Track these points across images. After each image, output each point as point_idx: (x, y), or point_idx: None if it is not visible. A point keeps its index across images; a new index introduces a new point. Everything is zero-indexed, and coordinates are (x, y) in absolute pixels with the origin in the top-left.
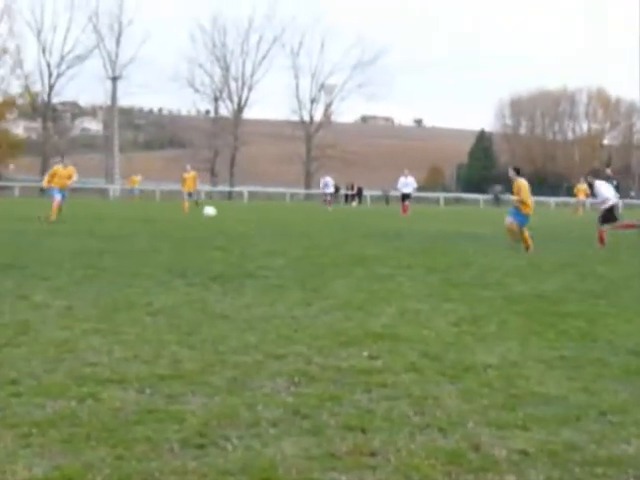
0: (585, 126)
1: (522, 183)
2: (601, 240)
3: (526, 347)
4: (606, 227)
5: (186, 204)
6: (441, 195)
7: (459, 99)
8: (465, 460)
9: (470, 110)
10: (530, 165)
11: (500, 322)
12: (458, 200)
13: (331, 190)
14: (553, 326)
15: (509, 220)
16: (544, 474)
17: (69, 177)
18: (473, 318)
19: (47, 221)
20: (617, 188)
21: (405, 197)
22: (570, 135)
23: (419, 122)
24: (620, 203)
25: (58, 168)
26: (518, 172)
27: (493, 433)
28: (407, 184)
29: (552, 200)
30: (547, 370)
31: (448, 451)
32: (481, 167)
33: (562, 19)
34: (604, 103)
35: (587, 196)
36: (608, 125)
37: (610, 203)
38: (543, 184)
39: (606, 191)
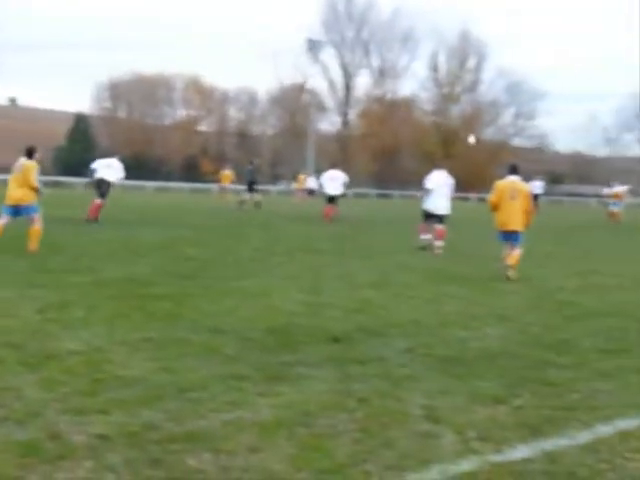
0: (182, 112)
1: (30, 165)
2: None
3: (113, 331)
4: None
5: None
6: (40, 178)
7: (57, 80)
8: (42, 450)
9: (69, 92)
10: (130, 149)
11: (88, 307)
12: (57, 184)
13: None
14: (141, 309)
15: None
16: (122, 456)
17: None
18: (61, 304)
19: None
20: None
21: None
22: (168, 120)
23: (13, 101)
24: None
25: None
26: (29, 154)
27: (73, 420)
28: None
29: (151, 184)
30: (132, 352)
31: (24, 443)
32: (80, 150)
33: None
34: (199, 91)
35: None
36: (204, 112)
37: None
38: (143, 168)
39: None
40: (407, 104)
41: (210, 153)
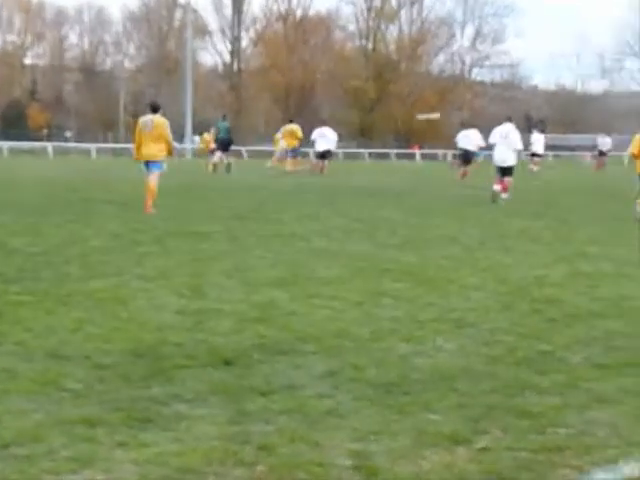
0: (0, 39)
1: (163, 120)
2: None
3: None
4: None
5: None
6: None
7: None
8: None
9: None
10: None
11: None
12: None
13: None
14: None
15: None
16: None
17: None
18: None
19: None
20: None
21: None
22: None
23: None
24: None
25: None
26: (155, 110)
27: None
28: None
29: None
30: None
31: None
32: None
33: None
34: (24, 8)
35: None
36: (30, 39)
37: None
38: None
39: None
40: (323, 24)
41: (43, 97)
